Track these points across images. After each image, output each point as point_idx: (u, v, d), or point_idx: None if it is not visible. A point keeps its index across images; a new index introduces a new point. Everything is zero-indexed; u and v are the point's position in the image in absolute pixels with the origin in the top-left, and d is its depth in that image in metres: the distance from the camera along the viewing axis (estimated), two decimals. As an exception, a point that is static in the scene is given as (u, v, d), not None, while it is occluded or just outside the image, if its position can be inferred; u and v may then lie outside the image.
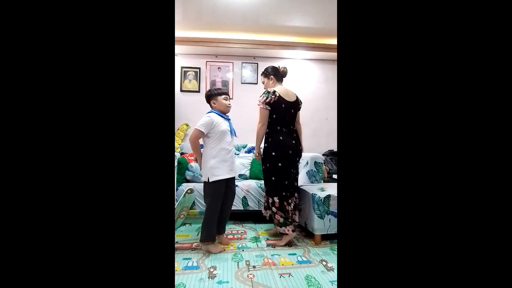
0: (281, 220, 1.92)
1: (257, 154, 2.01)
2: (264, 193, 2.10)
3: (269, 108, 1.90)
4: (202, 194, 2.31)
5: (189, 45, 2.95)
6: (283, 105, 1.92)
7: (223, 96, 1.87)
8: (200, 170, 1.89)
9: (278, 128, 1.93)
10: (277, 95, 1.91)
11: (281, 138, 1.91)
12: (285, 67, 2.09)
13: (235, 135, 1.93)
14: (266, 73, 2.07)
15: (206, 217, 1.79)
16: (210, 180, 1.76)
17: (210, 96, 1.88)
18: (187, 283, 1.41)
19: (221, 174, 1.77)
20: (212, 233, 1.81)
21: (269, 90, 1.93)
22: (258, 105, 1.92)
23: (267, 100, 1.89)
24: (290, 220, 1.94)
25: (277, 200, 1.93)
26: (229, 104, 1.90)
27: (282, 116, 1.93)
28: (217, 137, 1.78)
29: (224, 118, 1.86)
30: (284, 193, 1.94)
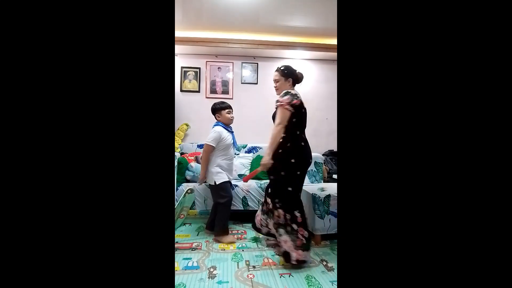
0: (305, 241, 1.62)
1: (268, 160, 1.66)
2: (274, 207, 1.71)
3: (293, 110, 1.70)
4: (202, 194, 2.43)
5: (189, 45, 2.94)
6: (303, 110, 1.77)
7: (227, 110, 2.11)
8: (202, 175, 2.10)
9: (298, 133, 1.74)
10: (300, 98, 1.74)
11: (302, 144, 1.74)
12: (302, 73, 1.89)
13: (236, 147, 2.16)
14: (286, 73, 1.83)
15: (221, 214, 2.04)
16: (217, 183, 2.01)
17: (215, 110, 2.12)
18: (187, 283, 1.41)
19: (224, 177, 2.06)
20: (225, 227, 2.06)
21: (292, 92, 1.75)
22: (281, 105, 1.70)
23: (292, 102, 1.70)
24: (310, 241, 1.68)
25: (299, 215, 1.65)
26: (232, 117, 2.12)
27: (301, 121, 1.77)
28: (222, 149, 2.05)
29: (229, 131, 2.10)
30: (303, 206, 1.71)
